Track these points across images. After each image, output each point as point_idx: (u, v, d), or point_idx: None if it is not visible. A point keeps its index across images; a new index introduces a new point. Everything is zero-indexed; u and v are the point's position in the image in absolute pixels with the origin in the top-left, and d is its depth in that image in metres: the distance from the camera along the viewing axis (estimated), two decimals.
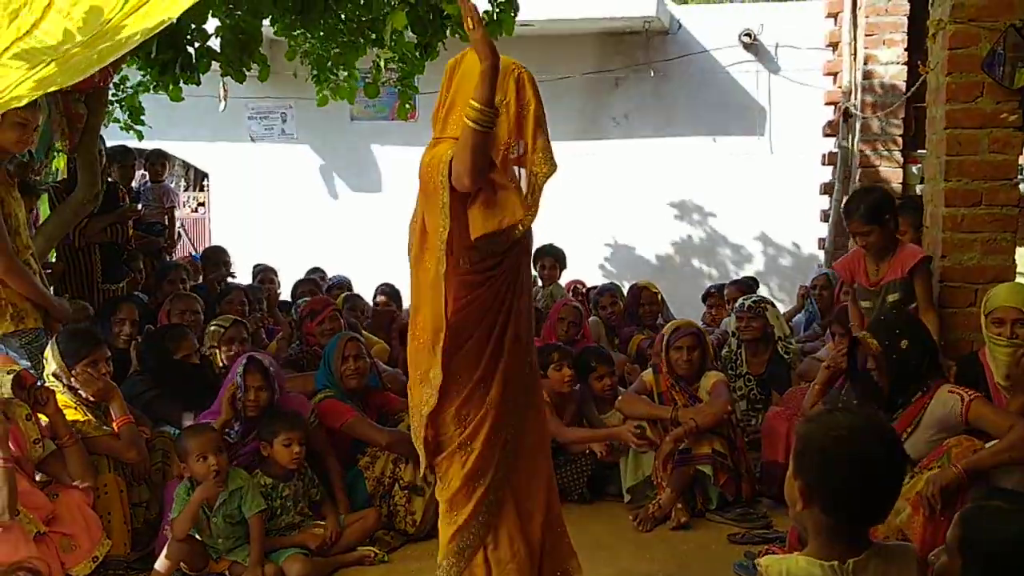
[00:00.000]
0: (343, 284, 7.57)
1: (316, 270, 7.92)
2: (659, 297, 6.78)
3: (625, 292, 6.99)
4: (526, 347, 3.09)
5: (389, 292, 7.13)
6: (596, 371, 5.09)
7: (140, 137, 7.89)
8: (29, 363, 3.99)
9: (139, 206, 6.67)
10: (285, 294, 7.63)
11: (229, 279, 7.31)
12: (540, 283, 7.48)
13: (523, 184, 3.01)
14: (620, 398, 4.87)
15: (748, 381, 5.54)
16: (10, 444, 3.37)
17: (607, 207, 10.56)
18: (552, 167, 2.95)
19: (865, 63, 7.57)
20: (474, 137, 2.76)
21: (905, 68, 7.43)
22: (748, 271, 10.16)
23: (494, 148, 2.90)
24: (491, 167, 2.90)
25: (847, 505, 2.01)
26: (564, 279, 7.56)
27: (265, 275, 7.56)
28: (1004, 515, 2.04)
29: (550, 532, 3.15)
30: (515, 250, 3.00)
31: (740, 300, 5.74)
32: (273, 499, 4.00)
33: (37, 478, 3.69)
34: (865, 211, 4.42)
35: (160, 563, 3.70)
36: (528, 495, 3.11)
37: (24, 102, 3.51)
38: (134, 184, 7.23)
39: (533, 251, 3.16)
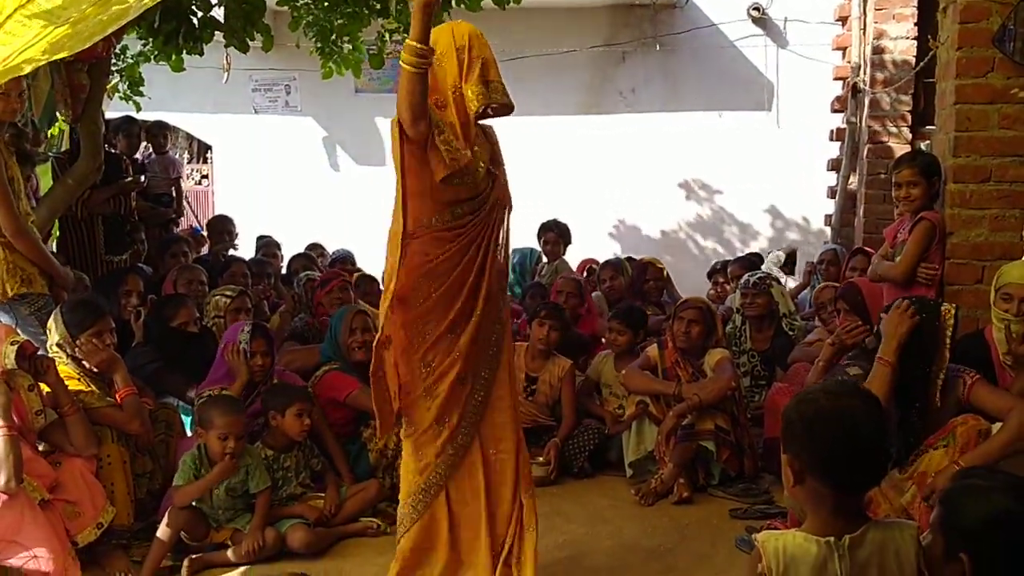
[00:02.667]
0: (346, 258, 7.56)
1: (315, 246, 7.91)
2: (664, 273, 6.76)
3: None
4: (496, 304, 3.19)
5: None
6: (609, 325, 5.23)
7: (138, 108, 7.85)
8: (41, 329, 4.01)
9: (143, 178, 6.63)
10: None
11: (232, 251, 7.31)
12: (545, 259, 7.47)
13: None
14: (624, 372, 4.87)
15: (752, 357, 5.53)
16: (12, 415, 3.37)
17: (613, 182, 10.51)
18: (487, 98, 3.00)
19: (875, 38, 7.49)
20: (410, 79, 2.82)
21: (915, 43, 7.35)
22: (754, 247, 10.12)
23: (441, 93, 2.99)
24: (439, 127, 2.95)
25: (836, 468, 2.02)
26: (571, 255, 7.53)
27: (268, 248, 7.55)
28: (981, 492, 2.03)
29: (519, 491, 3.22)
30: (485, 207, 3.10)
31: (745, 276, 5.72)
32: (275, 470, 4.02)
33: (40, 448, 3.70)
34: (921, 163, 4.49)
35: (161, 531, 3.72)
36: (494, 446, 3.20)
37: (33, 66, 3.50)
38: (138, 156, 7.19)
39: (506, 210, 3.22)
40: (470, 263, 3.09)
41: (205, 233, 7.63)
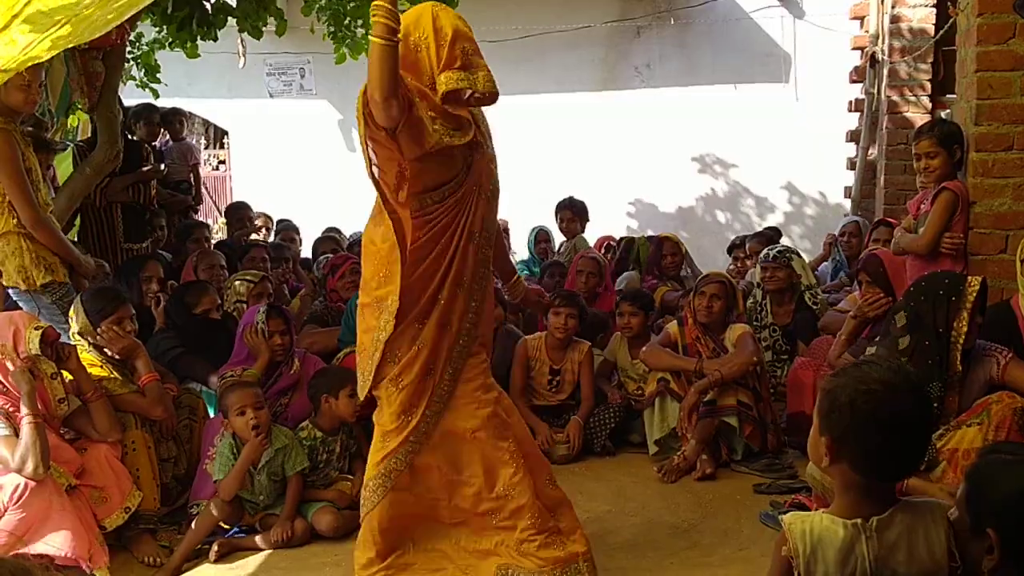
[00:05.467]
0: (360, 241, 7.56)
1: (333, 230, 7.92)
2: (682, 248, 6.73)
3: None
4: (469, 295, 3.14)
5: None
6: (619, 310, 5.17)
7: (156, 95, 7.86)
8: (63, 317, 4.05)
9: (163, 165, 6.65)
10: (305, 251, 7.65)
11: (253, 236, 7.34)
12: (563, 237, 7.46)
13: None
14: (644, 349, 4.85)
15: (773, 331, 5.50)
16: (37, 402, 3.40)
17: (629, 158, 10.45)
18: (457, 83, 2.88)
19: (893, 6, 7.38)
20: (379, 52, 2.75)
21: (934, 11, 7.25)
22: (772, 222, 10.05)
23: (426, 77, 2.92)
24: (413, 100, 2.88)
25: (876, 462, 1.98)
26: (590, 232, 7.52)
27: (287, 233, 7.57)
28: (1007, 467, 2.00)
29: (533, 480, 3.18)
30: (457, 194, 3.05)
31: (765, 250, 5.68)
32: (320, 453, 4.06)
33: (66, 436, 3.73)
34: (940, 133, 4.41)
35: (201, 521, 3.74)
36: (459, 434, 3.15)
37: (42, 60, 3.51)
38: (156, 143, 7.21)
39: (482, 196, 3.15)
40: (442, 251, 3.06)
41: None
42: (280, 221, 7.98)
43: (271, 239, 7.71)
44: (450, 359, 3.14)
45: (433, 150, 2.94)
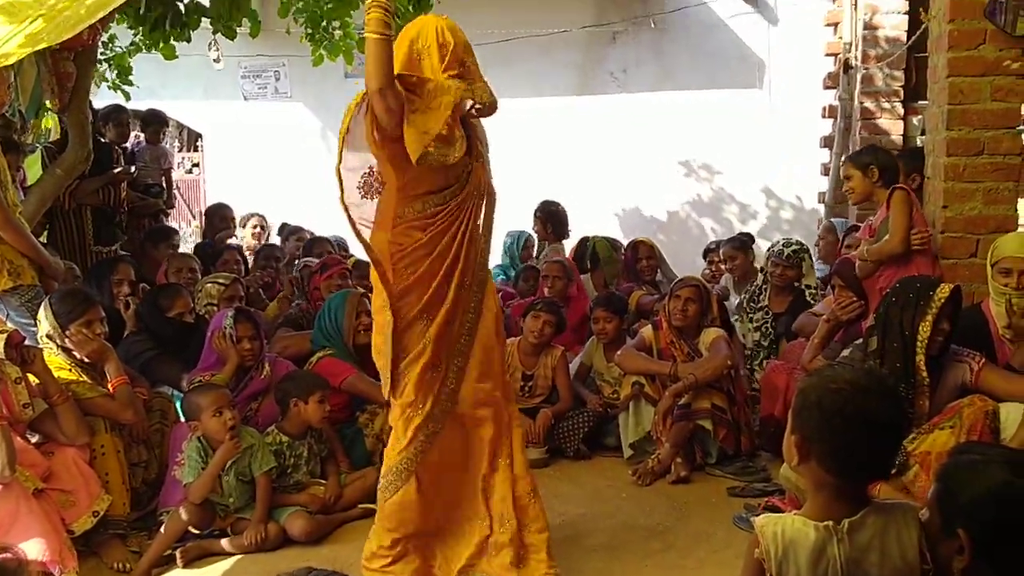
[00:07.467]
0: (340, 244, 7.52)
1: (299, 229, 7.84)
2: (656, 252, 6.74)
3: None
4: (471, 294, 3.28)
5: None
6: (594, 315, 5.18)
7: (128, 97, 7.79)
8: (31, 320, 3.99)
9: (133, 168, 6.58)
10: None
11: (231, 240, 7.29)
12: (537, 241, 7.45)
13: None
14: (619, 353, 4.85)
15: (766, 314, 5.53)
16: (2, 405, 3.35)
17: (608, 163, 10.47)
18: (456, 94, 3.04)
19: (866, 13, 7.45)
20: (374, 46, 2.92)
21: (906, 18, 7.31)
22: (751, 226, 10.10)
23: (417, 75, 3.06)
24: (409, 99, 3.02)
25: (846, 462, 1.99)
26: (574, 236, 7.47)
27: (298, 235, 7.50)
28: (977, 467, 2.01)
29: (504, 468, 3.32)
30: (458, 197, 3.18)
31: (780, 246, 5.65)
32: (287, 457, 4.03)
33: (34, 440, 3.68)
34: (853, 156, 4.76)
35: (170, 526, 3.71)
36: (466, 433, 3.31)
37: (13, 59, 3.47)
38: (128, 145, 7.14)
39: (483, 200, 3.31)
40: (444, 251, 3.18)
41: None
42: (284, 225, 7.92)
43: (265, 240, 7.62)
44: (453, 355, 3.25)
45: (420, 165, 3.04)
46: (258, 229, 7.84)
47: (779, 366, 4.72)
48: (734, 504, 4.13)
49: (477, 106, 3.15)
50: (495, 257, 8.26)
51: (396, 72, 3.02)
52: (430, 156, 3.01)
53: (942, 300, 3.53)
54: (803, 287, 5.57)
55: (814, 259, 6.64)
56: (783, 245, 5.64)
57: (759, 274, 5.79)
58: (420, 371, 3.19)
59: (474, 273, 3.28)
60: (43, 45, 3.40)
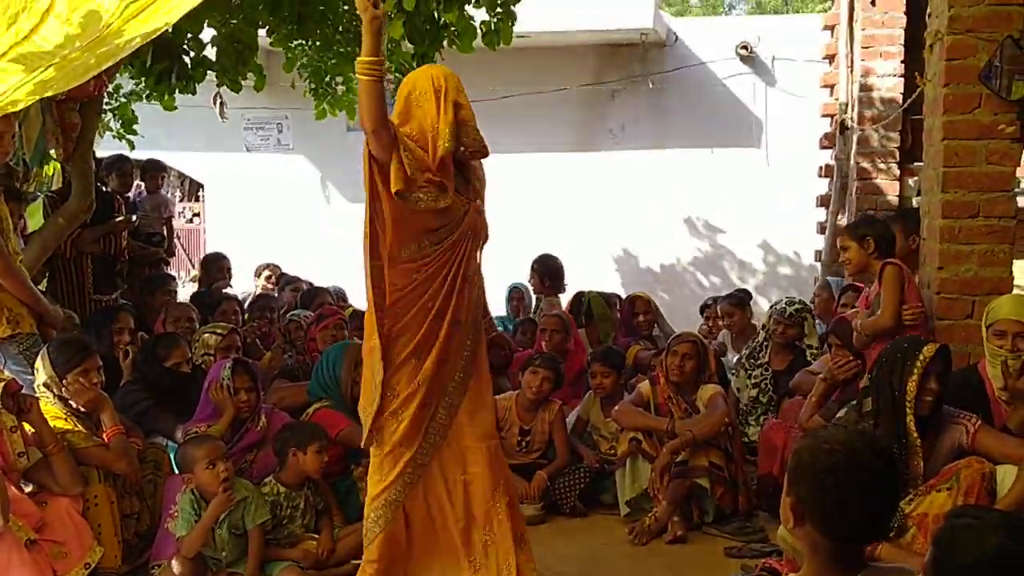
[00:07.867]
0: (339, 294, 7.54)
1: (296, 279, 7.87)
2: (653, 306, 6.76)
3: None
4: (465, 333, 3.35)
5: None
6: (591, 370, 5.18)
7: (132, 147, 7.87)
8: (28, 368, 3.97)
9: (134, 217, 6.62)
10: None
11: (228, 289, 7.30)
12: (534, 294, 7.47)
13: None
14: (616, 408, 4.84)
15: (765, 370, 5.53)
16: None
17: (606, 218, 10.55)
18: (452, 142, 3.18)
19: (862, 75, 7.57)
20: (365, 87, 3.06)
21: (902, 80, 7.43)
22: (749, 283, 10.15)
23: (421, 133, 3.19)
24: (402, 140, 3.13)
25: (840, 524, 1.98)
26: (571, 290, 7.49)
27: (295, 284, 7.52)
28: (974, 531, 1.99)
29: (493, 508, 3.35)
30: (451, 237, 3.27)
31: (783, 305, 5.67)
32: (284, 508, 3.99)
33: (27, 490, 3.65)
34: (849, 227, 4.80)
35: None
36: (461, 468, 3.36)
37: (20, 106, 3.51)
38: (130, 194, 7.19)
39: (477, 241, 3.39)
40: (436, 292, 3.26)
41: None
42: (283, 274, 7.94)
43: (275, 291, 7.65)
44: (446, 394, 3.33)
45: (412, 208, 3.15)
46: (272, 279, 7.87)
47: (777, 424, 4.71)
48: (731, 565, 4.08)
49: (470, 150, 3.28)
50: (494, 308, 8.30)
51: (396, 123, 3.15)
52: (420, 201, 3.13)
53: (927, 359, 3.55)
54: (804, 346, 5.58)
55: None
56: (786, 304, 5.67)
57: (760, 331, 5.80)
58: (413, 411, 3.26)
59: (468, 312, 3.35)
60: (51, 92, 3.44)
